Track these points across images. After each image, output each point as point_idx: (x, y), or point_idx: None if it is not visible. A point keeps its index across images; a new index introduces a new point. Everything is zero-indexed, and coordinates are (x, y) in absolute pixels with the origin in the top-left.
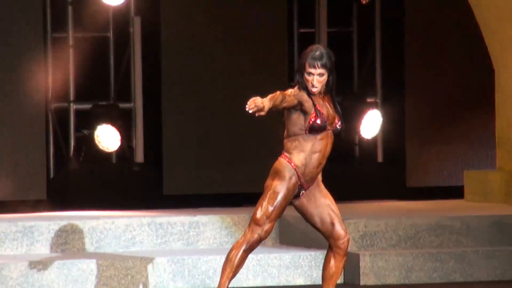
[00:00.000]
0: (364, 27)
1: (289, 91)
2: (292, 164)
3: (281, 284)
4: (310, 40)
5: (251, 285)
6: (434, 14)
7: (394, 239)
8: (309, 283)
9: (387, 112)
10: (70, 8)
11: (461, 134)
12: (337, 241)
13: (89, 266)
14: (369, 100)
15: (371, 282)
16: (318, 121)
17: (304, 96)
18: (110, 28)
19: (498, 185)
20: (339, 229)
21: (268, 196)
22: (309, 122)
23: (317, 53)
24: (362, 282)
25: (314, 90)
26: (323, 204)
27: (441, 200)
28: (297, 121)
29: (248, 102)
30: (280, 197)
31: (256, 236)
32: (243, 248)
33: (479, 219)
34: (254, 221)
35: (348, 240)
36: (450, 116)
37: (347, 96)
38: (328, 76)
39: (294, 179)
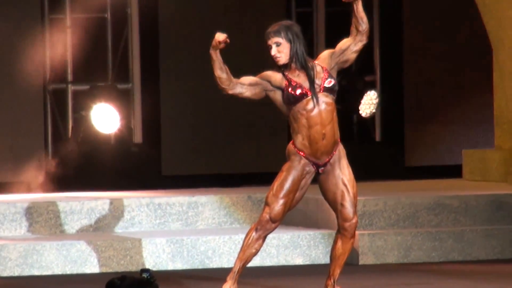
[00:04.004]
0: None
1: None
2: (296, 149)
3: (280, 263)
4: (307, 20)
5: (249, 265)
6: None
7: (393, 219)
8: (308, 262)
9: (386, 91)
10: None
11: (460, 112)
12: (344, 222)
13: (88, 247)
14: (367, 79)
15: (370, 261)
16: (290, 90)
17: (272, 73)
18: (108, 8)
19: (496, 164)
20: (347, 210)
21: (277, 177)
22: (285, 95)
23: (272, 27)
24: (361, 262)
25: (278, 59)
26: (339, 183)
27: (440, 179)
28: (281, 103)
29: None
30: (287, 178)
31: (265, 215)
32: (255, 228)
33: (478, 198)
34: (265, 201)
35: (356, 223)
36: (449, 94)
37: (345, 75)
38: (291, 46)
39: (302, 161)
